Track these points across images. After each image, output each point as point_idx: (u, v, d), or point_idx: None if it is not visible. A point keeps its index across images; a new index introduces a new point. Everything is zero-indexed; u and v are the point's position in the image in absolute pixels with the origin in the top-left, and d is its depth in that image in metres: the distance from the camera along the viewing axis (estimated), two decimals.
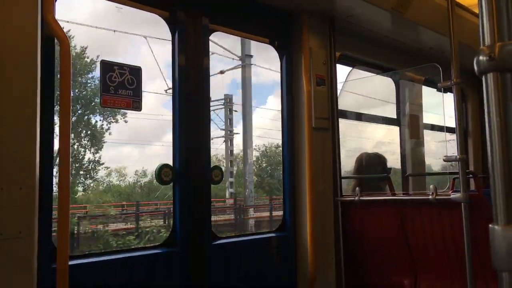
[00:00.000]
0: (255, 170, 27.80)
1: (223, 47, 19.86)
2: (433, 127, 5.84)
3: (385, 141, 5.72)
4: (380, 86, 5.53)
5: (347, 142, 4.89)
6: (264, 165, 37.77)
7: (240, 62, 20.43)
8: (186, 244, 3.02)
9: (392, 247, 3.67)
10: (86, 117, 28.01)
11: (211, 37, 3.40)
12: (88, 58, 27.02)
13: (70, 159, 2.32)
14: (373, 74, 5.07)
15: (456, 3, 3.39)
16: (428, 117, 5.59)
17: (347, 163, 4.62)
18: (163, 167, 3.01)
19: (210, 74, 3.43)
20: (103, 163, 28.96)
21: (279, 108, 3.91)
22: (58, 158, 2.28)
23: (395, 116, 5.39)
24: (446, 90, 3.63)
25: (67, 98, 2.29)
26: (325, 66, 3.89)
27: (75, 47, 25.79)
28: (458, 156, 3.00)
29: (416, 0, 3.99)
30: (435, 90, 5.62)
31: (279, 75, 3.91)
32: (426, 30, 4.41)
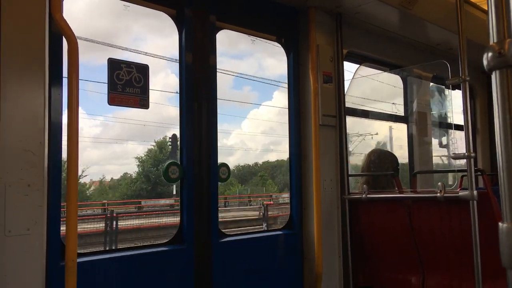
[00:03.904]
0: None
1: None
2: (441, 125, 5.81)
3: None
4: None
5: None
6: None
7: None
8: (193, 242, 3.03)
9: (400, 245, 3.66)
10: None
11: None
12: None
13: (79, 156, 2.33)
14: (380, 72, 5.05)
15: None
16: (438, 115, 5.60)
17: None
18: (170, 165, 3.02)
19: None
20: None
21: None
22: (66, 156, 2.29)
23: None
24: (455, 87, 3.61)
25: (75, 96, 2.30)
26: (332, 63, 3.88)
27: None
28: (466, 154, 2.98)
29: None
30: (443, 87, 5.59)
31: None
32: (434, 27, 4.37)
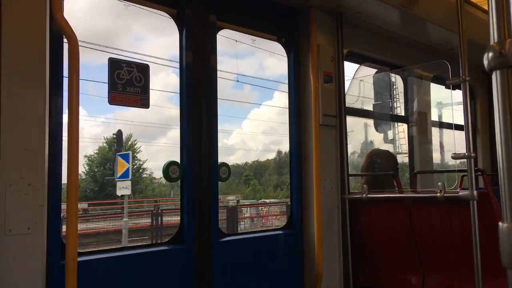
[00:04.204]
0: None
1: None
2: (441, 125, 5.81)
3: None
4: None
5: None
6: None
7: None
8: (193, 241, 3.04)
9: (400, 245, 3.66)
10: None
11: None
12: None
13: (79, 155, 2.33)
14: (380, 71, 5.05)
15: None
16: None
17: None
18: (170, 164, 3.02)
19: None
20: None
21: None
22: (67, 155, 2.29)
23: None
24: (455, 87, 3.60)
25: (76, 95, 2.30)
26: (333, 63, 3.88)
27: None
28: (466, 154, 2.98)
29: None
30: (444, 87, 5.59)
31: None
32: (435, 27, 4.37)
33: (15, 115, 2.15)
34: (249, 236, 3.70)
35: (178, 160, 3.09)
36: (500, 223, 1.07)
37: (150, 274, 2.82)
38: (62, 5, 2.37)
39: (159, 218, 16.82)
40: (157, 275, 2.85)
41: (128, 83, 2.79)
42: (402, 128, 5.80)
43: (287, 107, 3.90)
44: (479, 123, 6.19)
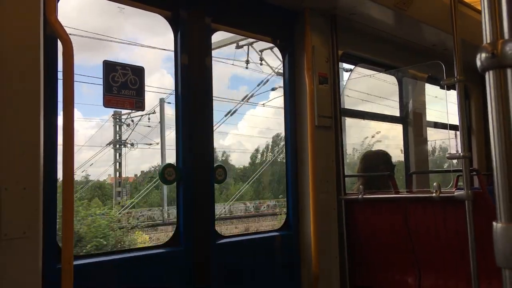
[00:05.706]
0: None
1: None
2: (436, 125, 5.83)
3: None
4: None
5: None
6: None
7: None
8: (189, 243, 3.03)
9: (396, 245, 3.67)
10: None
11: None
12: None
13: (74, 159, 2.33)
14: (375, 72, 5.07)
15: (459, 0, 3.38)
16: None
17: None
18: (166, 167, 3.01)
19: None
20: None
21: None
22: (62, 158, 2.28)
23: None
24: (450, 87, 3.62)
25: (70, 99, 2.30)
26: (328, 64, 3.88)
27: None
28: (461, 154, 2.99)
29: None
30: (439, 87, 5.61)
31: None
32: (429, 27, 4.39)
33: (10, 118, 2.14)
34: (246, 238, 3.70)
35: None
36: (494, 223, 1.08)
37: (147, 277, 2.81)
38: (56, 8, 2.37)
39: None
40: (154, 278, 2.84)
41: (123, 85, 2.78)
42: None
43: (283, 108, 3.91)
44: (474, 123, 6.21)
